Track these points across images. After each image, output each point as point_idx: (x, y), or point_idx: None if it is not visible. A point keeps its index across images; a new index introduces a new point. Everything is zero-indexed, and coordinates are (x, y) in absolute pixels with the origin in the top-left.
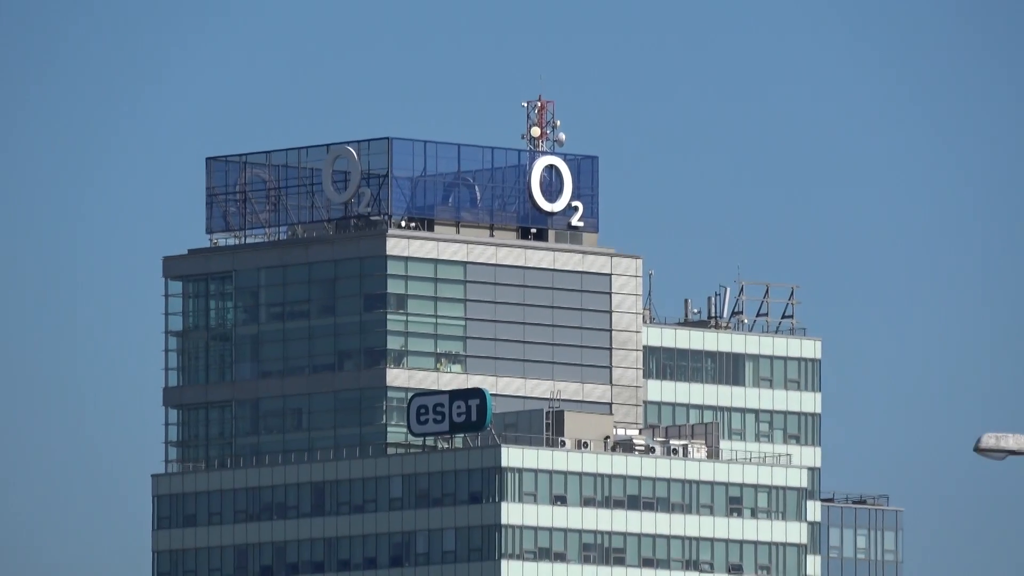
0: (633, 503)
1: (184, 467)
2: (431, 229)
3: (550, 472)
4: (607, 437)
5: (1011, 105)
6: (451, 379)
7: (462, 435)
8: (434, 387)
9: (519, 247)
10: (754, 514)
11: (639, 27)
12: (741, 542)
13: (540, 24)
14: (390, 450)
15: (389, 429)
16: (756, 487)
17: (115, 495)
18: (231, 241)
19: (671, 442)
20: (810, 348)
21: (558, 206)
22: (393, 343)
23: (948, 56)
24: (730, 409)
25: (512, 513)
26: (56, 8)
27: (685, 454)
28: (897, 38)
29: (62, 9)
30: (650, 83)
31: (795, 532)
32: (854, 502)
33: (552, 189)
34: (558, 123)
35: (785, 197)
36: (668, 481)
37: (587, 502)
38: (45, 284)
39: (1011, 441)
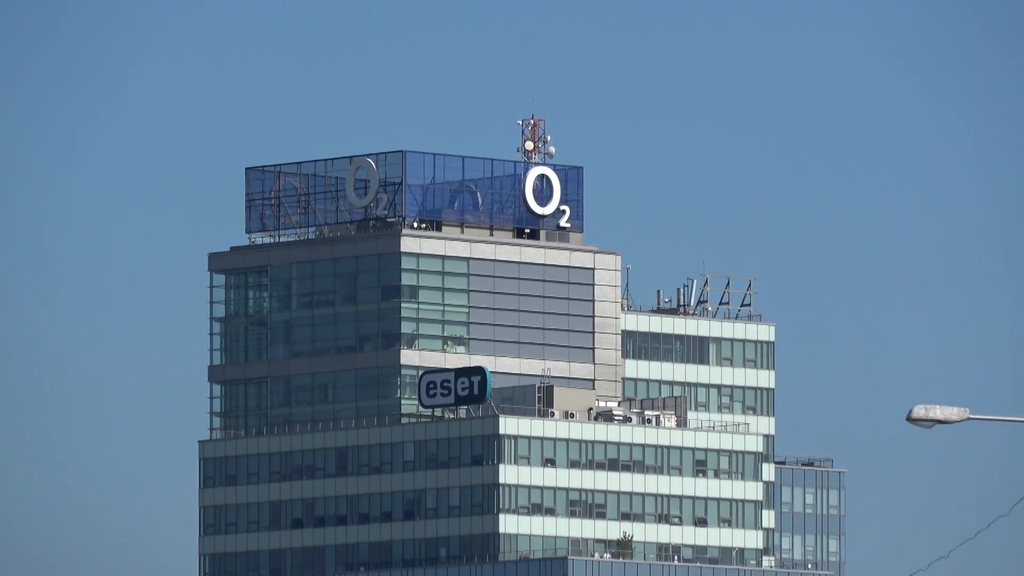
0: (612, 465)
1: (226, 434)
2: (439, 229)
3: (541, 439)
4: (590, 409)
5: (955, 97)
6: (456, 359)
7: (466, 407)
8: (441, 366)
9: (514, 245)
10: (717, 475)
11: (618, 54)
12: (706, 499)
13: (534, 52)
14: (403, 420)
15: (403, 402)
16: (719, 452)
17: (167, 459)
18: (267, 240)
19: (645, 413)
20: (765, 332)
21: (548, 210)
22: (406, 328)
23: (884, 56)
24: (696, 384)
25: (508, 474)
26: (113, 36)
27: (657, 423)
28: (838, 53)
29: (118, 38)
30: (630, 102)
31: (752, 490)
32: (803, 464)
33: (543, 195)
34: (548, 138)
35: (745, 200)
36: (643, 447)
37: (573, 464)
38: (108, 279)
39: (938, 412)
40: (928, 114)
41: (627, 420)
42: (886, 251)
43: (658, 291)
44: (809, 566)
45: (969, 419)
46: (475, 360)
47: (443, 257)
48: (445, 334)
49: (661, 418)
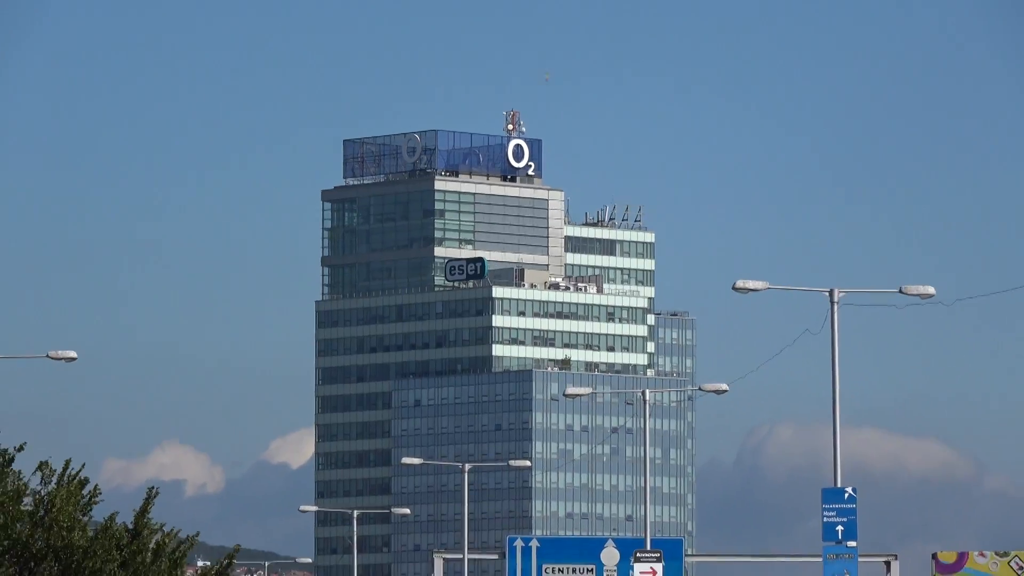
0: (559, 315)
1: (332, 298)
2: (457, 176)
3: (517, 300)
4: (546, 282)
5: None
6: (467, 252)
7: (472, 280)
8: (457, 256)
9: (501, 185)
10: (620, 320)
11: (563, 60)
12: (615, 336)
13: (515, 67)
14: (435, 288)
15: (435, 278)
16: (621, 307)
17: (291, 313)
18: (355, 182)
19: (578, 284)
20: (649, 237)
21: (521, 164)
22: (437, 234)
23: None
24: (608, 268)
25: (497, 320)
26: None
27: (585, 290)
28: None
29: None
30: (574, 97)
31: (642, 330)
32: (671, 314)
33: (518, 156)
34: (522, 123)
35: (643, 161)
36: (576, 304)
37: (535, 314)
38: (263, 204)
39: (752, 284)
40: None
41: (567, 288)
42: (737, 178)
43: (585, 212)
44: (674, 374)
45: (769, 288)
46: (478, 253)
47: (459, 192)
48: (460, 238)
49: (587, 287)
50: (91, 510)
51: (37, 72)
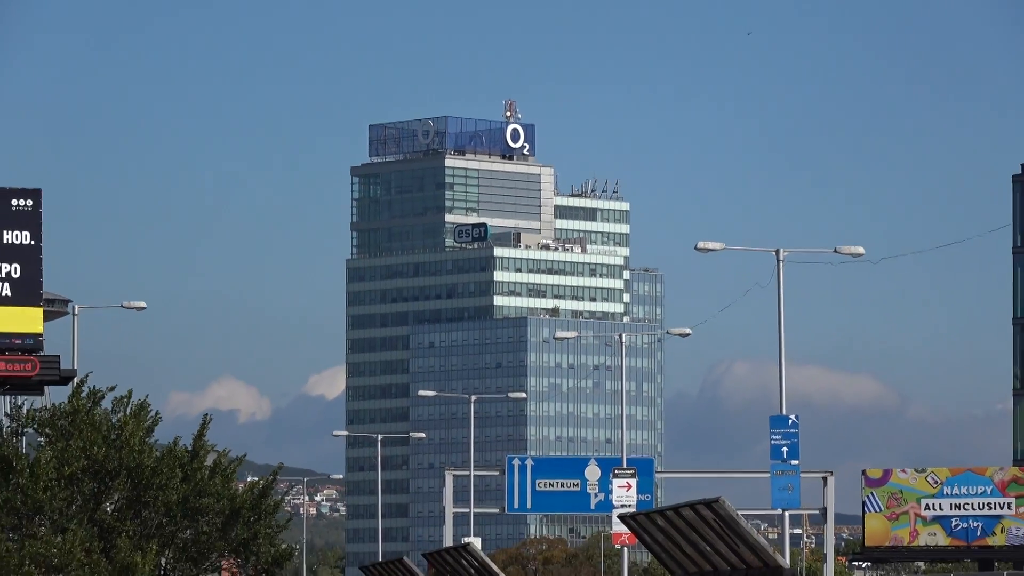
0: (550, 272)
1: (360, 256)
2: (464, 155)
3: (515, 258)
4: (539, 243)
5: None
6: (472, 219)
7: (476, 243)
8: (464, 222)
9: (500, 163)
10: (601, 276)
11: (553, 58)
12: (596, 288)
13: (515, 60)
14: (446, 249)
15: (446, 240)
16: (602, 264)
17: (323, 271)
18: (378, 160)
19: (566, 245)
20: (624, 206)
21: (517, 145)
22: (447, 204)
23: None
24: (591, 232)
25: (498, 276)
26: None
27: (572, 251)
28: None
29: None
30: (562, 89)
31: (619, 284)
32: (643, 270)
33: (516, 138)
34: (518, 111)
35: (618, 139)
36: (564, 262)
37: (530, 270)
38: (312, 179)
39: (711, 244)
40: None
41: (556, 249)
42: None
43: (571, 185)
44: (646, 320)
45: (725, 248)
46: (481, 219)
47: (465, 169)
48: (466, 207)
49: (573, 248)
50: (154, 432)
51: (118, 57)
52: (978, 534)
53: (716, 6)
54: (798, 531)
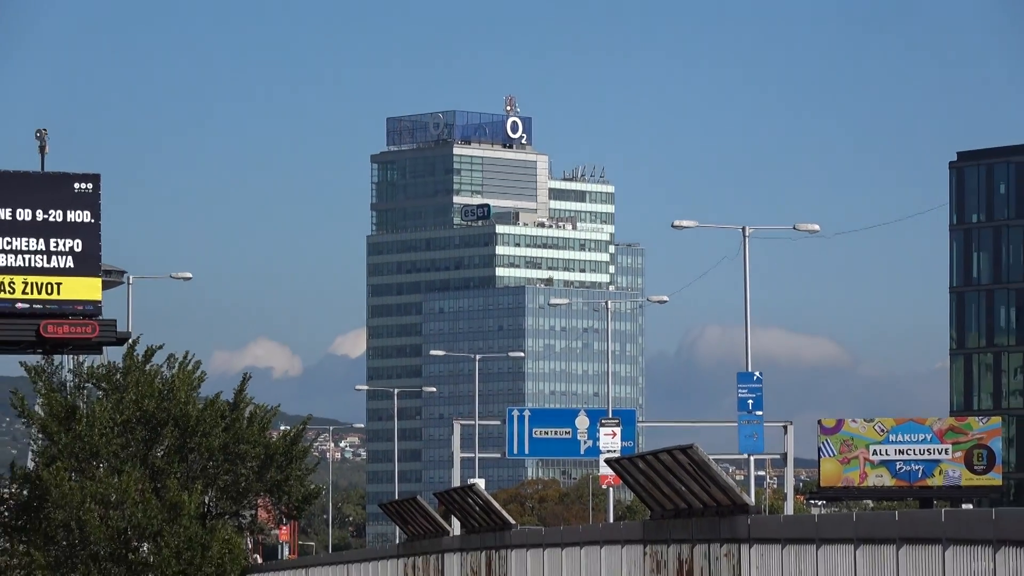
0: (544, 246)
1: (379, 232)
2: (469, 144)
3: (514, 234)
4: (535, 221)
5: None
6: (477, 200)
7: (481, 220)
8: (470, 202)
9: (501, 151)
10: (591, 250)
11: (547, 60)
12: (586, 260)
13: (515, 60)
14: (455, 226)
15: (454, 218)
16: (593, 240)
17: (343, 243)
18: (394, 149)
19: (560, 223)
20: (609, 188)
21: (517, 136)
22: (455, 187)
23: None
24: (581, 211)
25: (500, 250)
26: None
27: (565, 228)
28: None
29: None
30: (555, 88)
31: (605, 256)
32: (627, 244)
33: (515, 129)
34: (517, 105)
35: (601, 129)
36: (558, 237)
37: (528, 245)
38: (324, 166)
39: (686, 222)
40: None
41: (550, 226)
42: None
43: (563, 171)
44: (629, 289)
45: (698, 226)
46: (485, 200)
47: (471, 156)
48: (472, 189)
49: (565, 225)
50: (199, 387)
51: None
52: (919, 476)
53: (687, 10)
54: (762, 473)
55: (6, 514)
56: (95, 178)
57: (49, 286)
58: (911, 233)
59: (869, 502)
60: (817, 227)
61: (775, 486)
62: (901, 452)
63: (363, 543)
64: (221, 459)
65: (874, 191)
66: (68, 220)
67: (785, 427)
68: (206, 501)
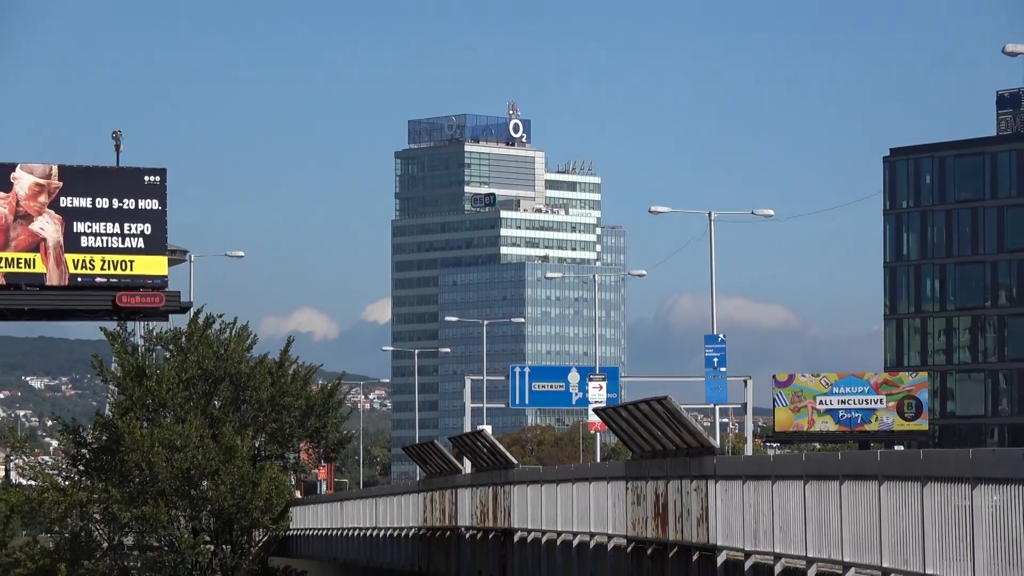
0: (542, 228)
1: (403, 216)
2: (477, 143)
3: (516, 219)
4: (533, 207)
5: None
6: (485, 189)
7: (486, 208)
8: (479, 192)
9: (505, 148)
10: (580, 232)
11: (545, 71)
12: (577, 240)
13: (515, 75)
14: (465, 212)
15: (465, 205)
16: (582, 223)
17: (369, 229)
18: (415, 146)
19: (555, 209)
20: (597, 179)
21: (518, 135)
22: (466, 179)
23: None
24: (574, 199)
25: (504, 232)
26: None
27: (559, 213)
28: None
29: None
30: (550, 95)
31: (593, 237)
32: (611, 227)
33: (516, 130)
34: (519, 110)
35: (588, 120)
36: (554, 221)
37: (527, 228)
38: (355, 161)
39: (661, 208)
40: None
41: (547, 212)
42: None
43: (558, 164)
44: (613, 264)
45: (672, 211)
46: (491, 190)
47: (479, 153)
48: (480, 181)
49: (559, 211)
50: (251, 348)
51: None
52: (858, 422)
53: (664, 17)
54: (725, 420)
55: (88, 456)
56: (162, 172)
57: (123, 263)
58: (851, 217)
59: (816, 444)
60: (772, 212)
61: (737, 431)
62: (843, 402)
63: (389, 480)
64: (269, 410)
65: (820, 182)
66: (139, 207)
67: (745, 381)
68: (256, 445)
